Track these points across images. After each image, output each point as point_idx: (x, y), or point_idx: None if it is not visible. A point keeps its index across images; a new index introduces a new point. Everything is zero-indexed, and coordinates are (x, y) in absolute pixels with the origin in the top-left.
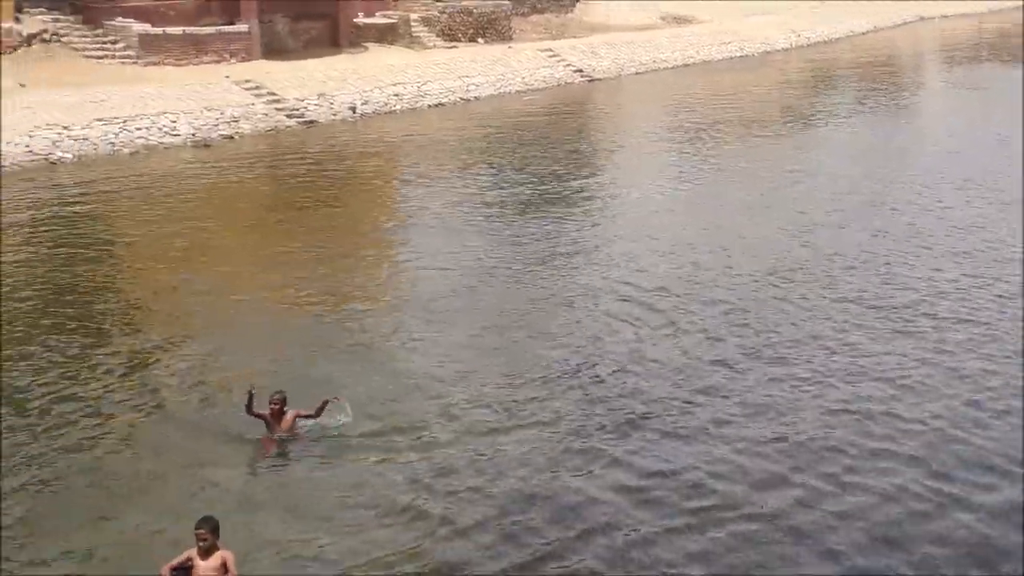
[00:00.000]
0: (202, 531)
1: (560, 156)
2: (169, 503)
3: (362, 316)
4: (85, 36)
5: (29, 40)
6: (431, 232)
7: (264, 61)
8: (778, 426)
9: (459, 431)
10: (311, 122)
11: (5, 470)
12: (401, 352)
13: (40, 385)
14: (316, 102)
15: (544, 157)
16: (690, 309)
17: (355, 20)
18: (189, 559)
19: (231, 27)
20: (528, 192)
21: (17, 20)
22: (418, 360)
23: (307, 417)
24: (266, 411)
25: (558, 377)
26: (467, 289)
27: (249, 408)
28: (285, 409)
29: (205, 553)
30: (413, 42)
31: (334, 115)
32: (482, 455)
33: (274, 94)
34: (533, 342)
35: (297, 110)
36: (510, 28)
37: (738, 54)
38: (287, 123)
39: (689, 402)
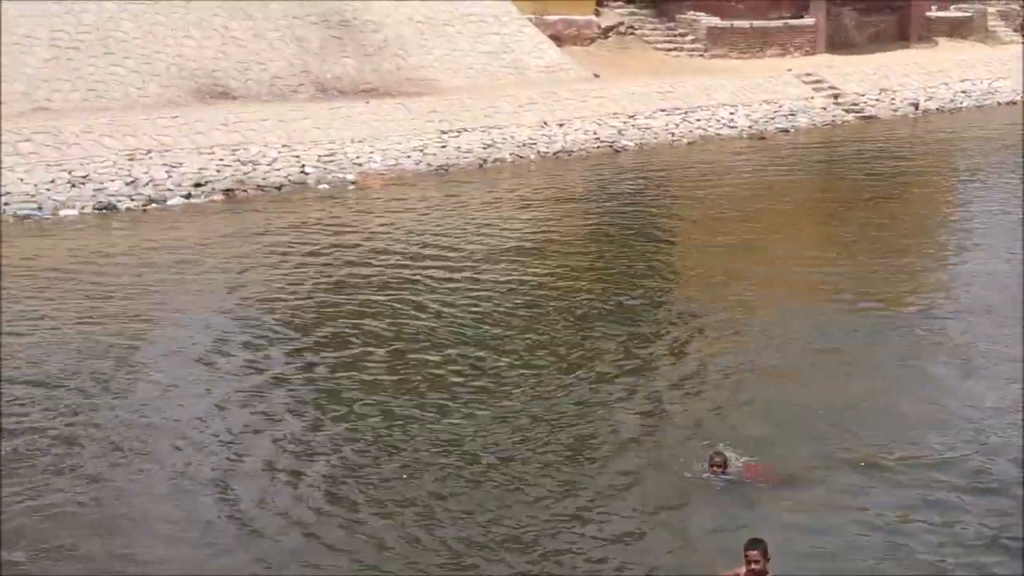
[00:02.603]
0: (754, 553)
1: None
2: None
3: (910, 320)
4: (657, 29)
5: (606, 32)
6: (991, 233)
7: (827, 55)
8: None
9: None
10: (870, 117)
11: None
12: (947, 366)
13: (542, 353)
14: (876, 97)
15: None
16: None
17: (927, 14)
18: None
19: (797, 20)
20: None
21: (597, 13)
22: (968, 378)
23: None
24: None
25: None
26: None
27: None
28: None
29: None
30: (987, 37)
31: (894, 111)
32: None
33: (834, 88)
34: None
35: (856, 105)
36: None
37: None
38: (844, 117)
39: None
